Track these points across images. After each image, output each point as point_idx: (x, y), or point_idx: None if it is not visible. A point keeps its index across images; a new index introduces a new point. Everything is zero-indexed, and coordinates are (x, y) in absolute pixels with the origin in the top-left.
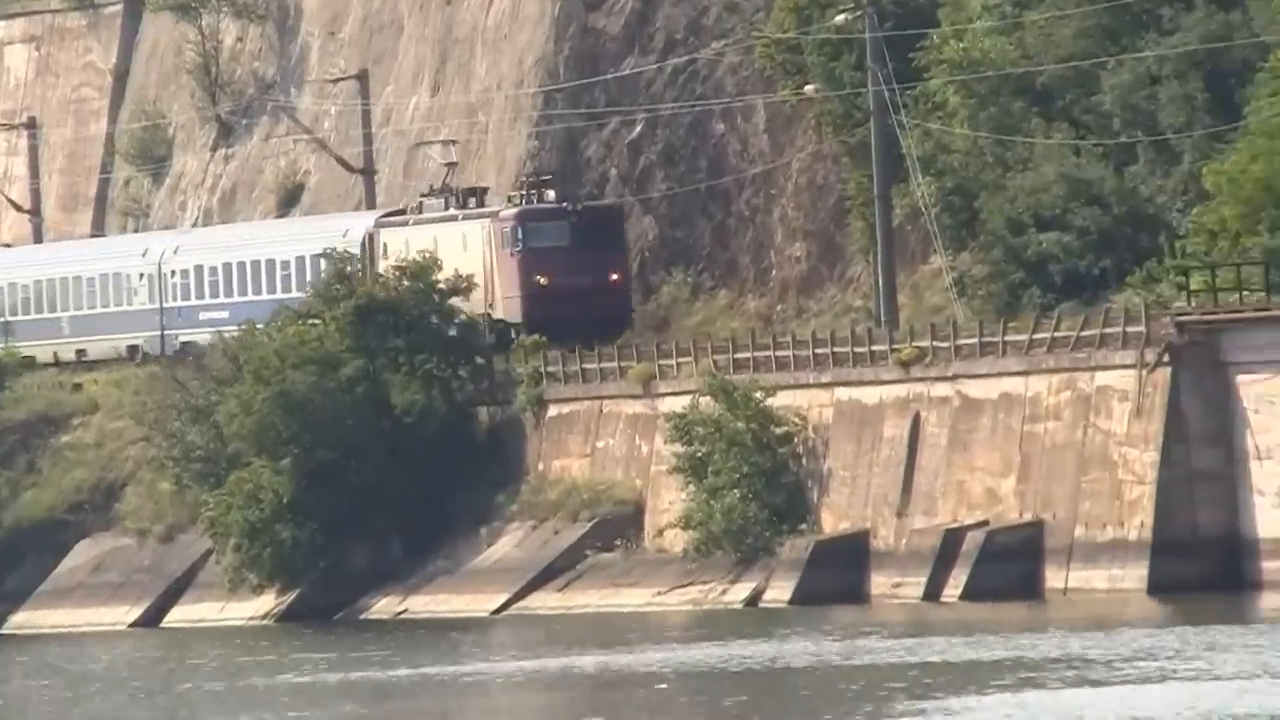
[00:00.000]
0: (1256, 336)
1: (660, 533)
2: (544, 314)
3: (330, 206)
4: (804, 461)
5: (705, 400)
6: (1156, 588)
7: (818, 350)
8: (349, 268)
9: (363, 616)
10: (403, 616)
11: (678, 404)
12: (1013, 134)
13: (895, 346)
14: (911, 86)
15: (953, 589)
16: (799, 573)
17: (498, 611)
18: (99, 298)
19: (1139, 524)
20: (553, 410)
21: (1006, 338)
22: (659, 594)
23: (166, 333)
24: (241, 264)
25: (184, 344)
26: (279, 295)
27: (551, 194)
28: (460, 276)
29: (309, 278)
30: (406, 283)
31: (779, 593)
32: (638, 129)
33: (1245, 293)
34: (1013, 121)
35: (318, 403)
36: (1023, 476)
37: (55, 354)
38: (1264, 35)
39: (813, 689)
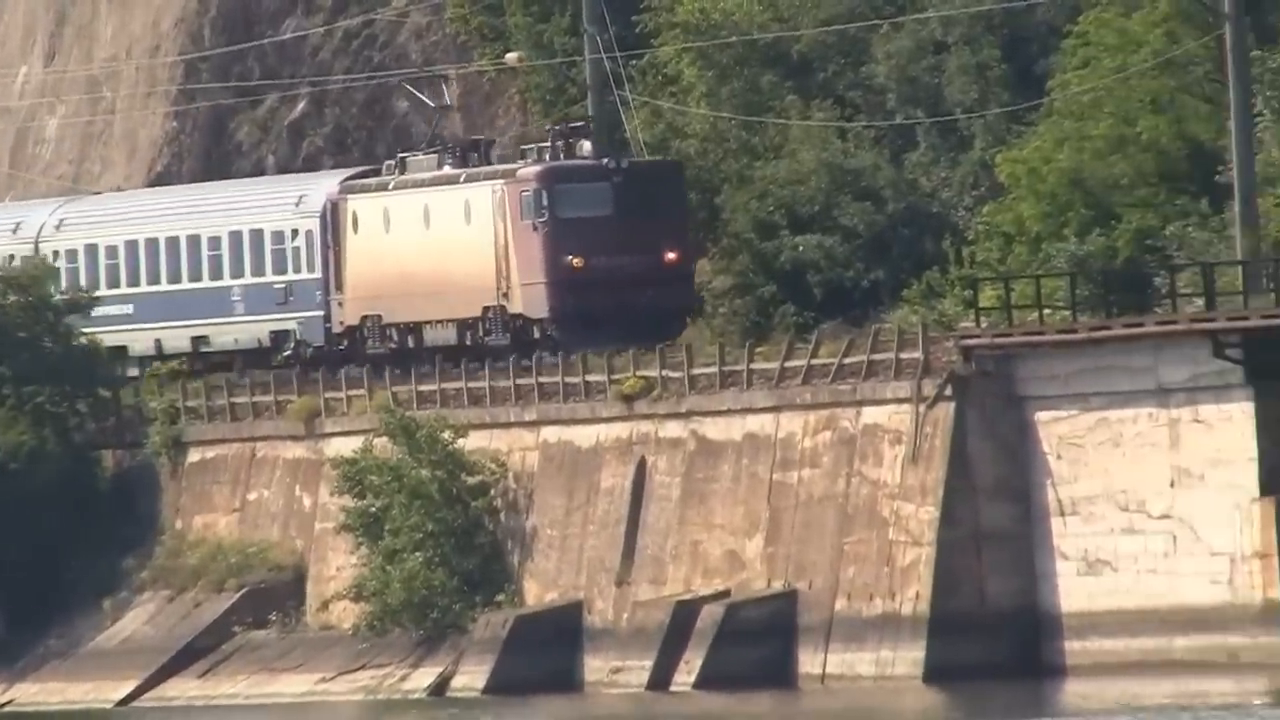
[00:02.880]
0: (1060, 365)
1: (325, 605)
2: (578, 306)
3: None
4: (503, 518)
5: (381, 442)
6: (935, 674)
7: (519, 381)
8: None
9: None
10: (5, 709)
11: (347, 447)
12: (763, 114)
13: (615, 377)
14: (638, 55)
15: (685, 675)
16: (495, 655)
17: (124, 702)
18: None
19: (914, 595)
20: (194, 455)
21: (753, 365)
22: (324, 680)
23: None
24: (152, 242)
25: None
26: (205, 284)
27: (588, 145)
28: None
29: (248, 263)
30: (13, 296)
31: (471, 679)
32: (300, 106)
33: (1046, 311)
34: (763, 99)
35: None
36: (772, 537)
37: None
38: None
39: None
